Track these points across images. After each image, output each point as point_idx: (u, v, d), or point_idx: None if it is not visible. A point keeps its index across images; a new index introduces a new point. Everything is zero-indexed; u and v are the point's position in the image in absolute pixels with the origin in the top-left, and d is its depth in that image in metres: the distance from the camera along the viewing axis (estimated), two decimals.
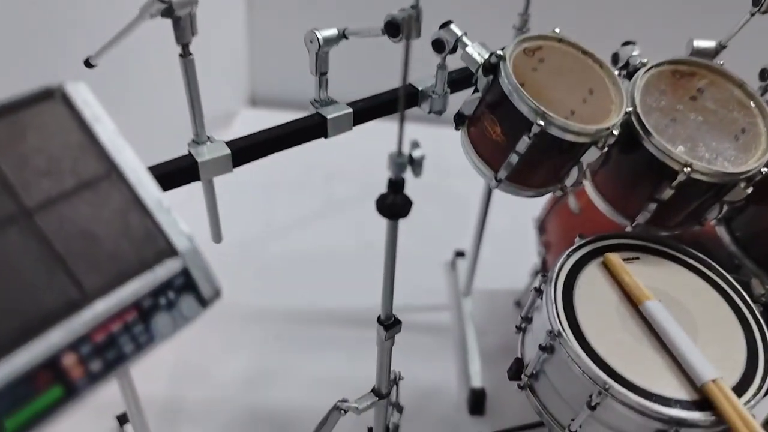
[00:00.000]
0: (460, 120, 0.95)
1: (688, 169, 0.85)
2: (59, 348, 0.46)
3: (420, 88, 1.04)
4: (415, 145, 0.75)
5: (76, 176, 0.51)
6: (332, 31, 0.93)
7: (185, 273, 0.53)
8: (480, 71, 0.88)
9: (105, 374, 0.47)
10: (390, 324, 0.87)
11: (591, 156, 0.88)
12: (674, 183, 0.87)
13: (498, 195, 1.13)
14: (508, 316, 1.57)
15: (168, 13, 0.77)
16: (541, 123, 0.81)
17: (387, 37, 0.90)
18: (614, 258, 0.90)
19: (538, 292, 0.91)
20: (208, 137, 0.90)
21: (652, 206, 0.93)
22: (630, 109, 0.89)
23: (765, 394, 0.80)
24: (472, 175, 0.98)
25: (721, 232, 1.06)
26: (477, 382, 1.38)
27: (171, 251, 0.53)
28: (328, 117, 0.97)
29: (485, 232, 1.46)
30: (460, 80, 1.04)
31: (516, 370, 0.92)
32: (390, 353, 0.92)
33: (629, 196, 0.96)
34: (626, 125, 0.90)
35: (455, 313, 1.58)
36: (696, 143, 0.90)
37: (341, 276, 1.65)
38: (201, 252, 0.55)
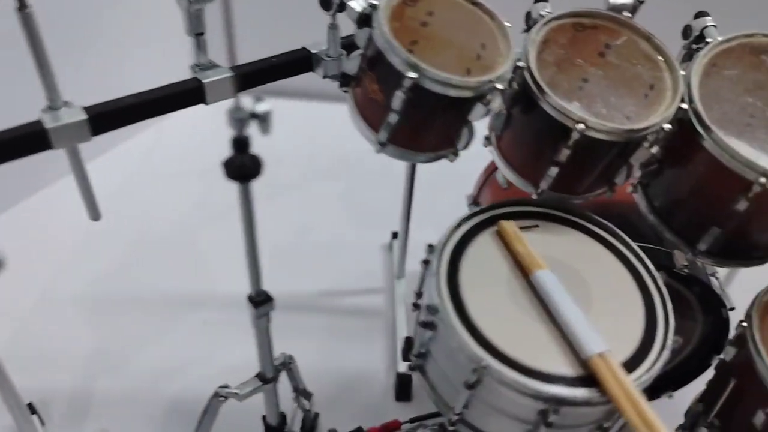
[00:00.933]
0: (344, 80, 0.88)
1: (582, 125, 0.78)
2: None
3: (314, 52, 0.97)
4: (258, 99, 0.68)
5: None
6: None
7: None
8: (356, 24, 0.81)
9: None
10: (260, 301, 0.80)
11: (477, 114, 0.81)
12: (570, 142, 0.80)
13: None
14: None
15: None
16: (413, 75, 0.74)
17: None
18: (508, 226, 0.83)
19: (426, 263, 0.84)
20: (65, 102, 0.83)
21: (554, 170, 0.85)
22: (523, 64, 0.82)
23: (660, 370, 0.73)
24: None
25: (639, 199, 0.98)
26: (404, 367, 1.31)
27: None
28: (205, 81, 0.90)
29: (425, 212, 1.39)
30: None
31: (406, 350, 0.86)
32: (268, 332, 0.84)
33: (533, 161, 0.89)
34: (524, 83, 0.83)
35: (389, 296, 1.51)
36: (593, 100, 0.83)
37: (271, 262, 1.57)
38: None
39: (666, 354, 0.74)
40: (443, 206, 1.43)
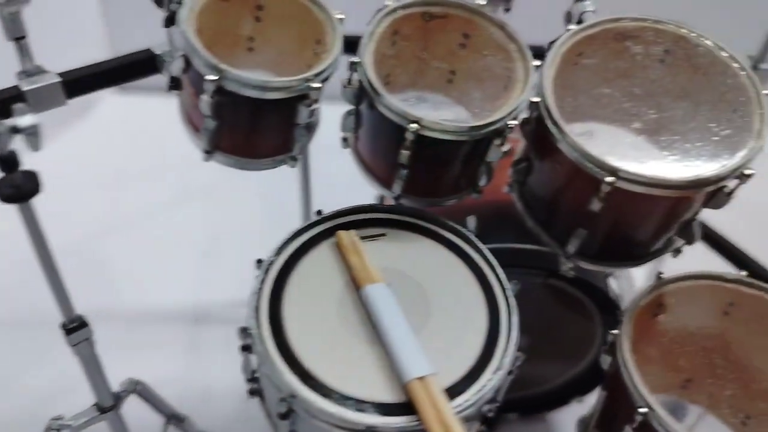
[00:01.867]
0: (173, 83, 0.81)
1: (415, 125, 0.71)
2: None
3: (158, 53, 0.90)
4: (22, 111, 0.62)
5: None
6: None
7: None
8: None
9: None
10: (73, 327, 0.73)
11: (302, 117, 0.74)
12: (406, 143, 0.74)
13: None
14: None
15: None
16: (212, 77, 0.67)
17: None
18: (345, 236, 0.76)
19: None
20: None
21: (402, 172, 0.79)
22: (358, 59, 0.75)
23: (493, 391, 0.66)
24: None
25: (516, 199, 0.91)
26: None
27: None
28: (26, 89, 0.82)
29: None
30: None
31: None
32: (94, 359, 0.78)
33: (383, 163, 0.82)
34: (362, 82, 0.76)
35: None
36: (466, 93, 0.76)
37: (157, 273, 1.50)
38: None
39: (501, 374, 0.67)
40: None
